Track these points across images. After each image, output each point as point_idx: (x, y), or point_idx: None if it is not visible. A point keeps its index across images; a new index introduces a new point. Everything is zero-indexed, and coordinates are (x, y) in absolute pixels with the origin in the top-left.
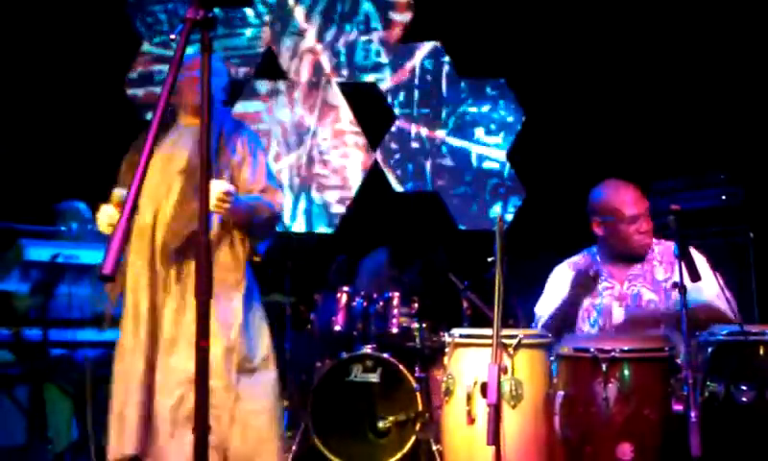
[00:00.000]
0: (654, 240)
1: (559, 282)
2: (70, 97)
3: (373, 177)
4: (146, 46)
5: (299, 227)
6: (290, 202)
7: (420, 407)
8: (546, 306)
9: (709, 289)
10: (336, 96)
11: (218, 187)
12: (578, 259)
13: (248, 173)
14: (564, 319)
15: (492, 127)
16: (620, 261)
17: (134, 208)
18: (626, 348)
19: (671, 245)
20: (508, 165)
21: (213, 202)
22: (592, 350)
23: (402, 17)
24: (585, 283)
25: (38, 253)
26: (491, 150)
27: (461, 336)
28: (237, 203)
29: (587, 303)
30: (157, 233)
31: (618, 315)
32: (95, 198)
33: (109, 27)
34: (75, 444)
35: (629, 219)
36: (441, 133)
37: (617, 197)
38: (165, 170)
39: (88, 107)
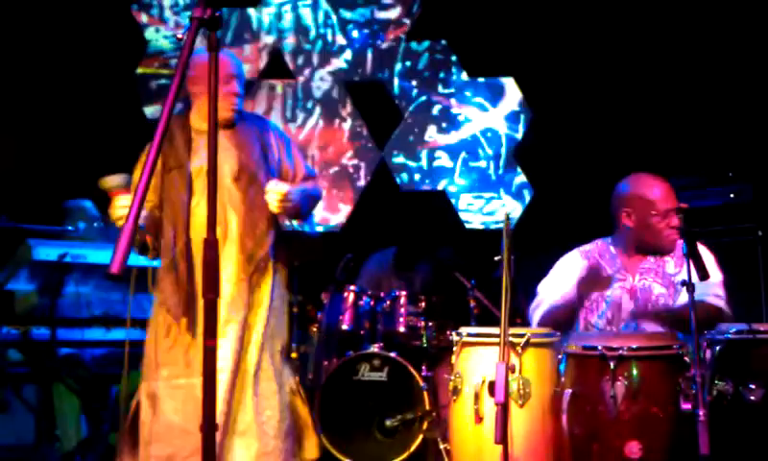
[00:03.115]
0: None
1: (568, 268)
2: (77, 96)
3: (380, 175)
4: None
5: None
6: None
7: (428, 406)
8: (550, 290)
9: (705, 285)
10: (342, 93)
11: (277, 188)
12: (591, 248)
13: (287, 166)
14: (566, 314)
15: (500, 124)
16: (641, 253)
17: (141, 208)
18: (634, 346)
19: (680, 241)
20: (516, 163)
21: (275, 204)
22: (600, 348)
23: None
24: (596, 280)
25: (46, 252)
26: (499, 147)
27: (469, 335)
28: (296, 199)
29: (596, 294)
30: (227, 248)
31: (628, 309)
32: (102, 196)
33: (117, 26)
34: (84, 442)
35: (663, 213)
36: (448, 131)
37: (652, 190)
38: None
39: (95, 106)
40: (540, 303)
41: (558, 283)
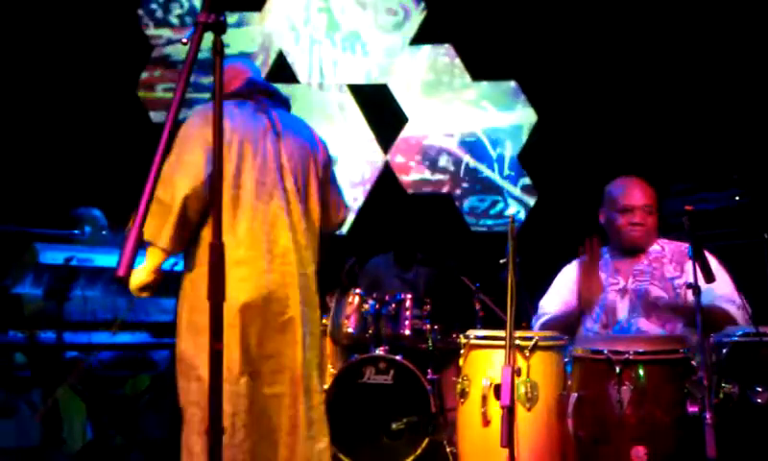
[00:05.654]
0: (665, 240)
1: (566, 278)
2: (83, 101)
3: (385, 178)
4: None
5: None
6: None
7: (433, 409)
8: (552, 302)
9: (717, 290)
10: (347, 97)
11: None
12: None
13: None
14: (568, 321)
15: (505, 126)
16: (623, 255)
17: (147, 211)
18: (640, 350)
19: (682, 245)
20: (520, 166)
21: None
22: (606, 352)
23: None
24: (592, 278)
25: (53, 256)
26: (503, 150)
27: (476, 338)
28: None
29: (594, 300)
30: None
31: (622, 310)
32: (109, 202)
33: (123, 33)
34: (90, 445)
35: (621, 209)
36: (453, 135)
37: (618, 188)
38: None
39: (102, 112)
40: (542, 314)
41: (558, 293)
